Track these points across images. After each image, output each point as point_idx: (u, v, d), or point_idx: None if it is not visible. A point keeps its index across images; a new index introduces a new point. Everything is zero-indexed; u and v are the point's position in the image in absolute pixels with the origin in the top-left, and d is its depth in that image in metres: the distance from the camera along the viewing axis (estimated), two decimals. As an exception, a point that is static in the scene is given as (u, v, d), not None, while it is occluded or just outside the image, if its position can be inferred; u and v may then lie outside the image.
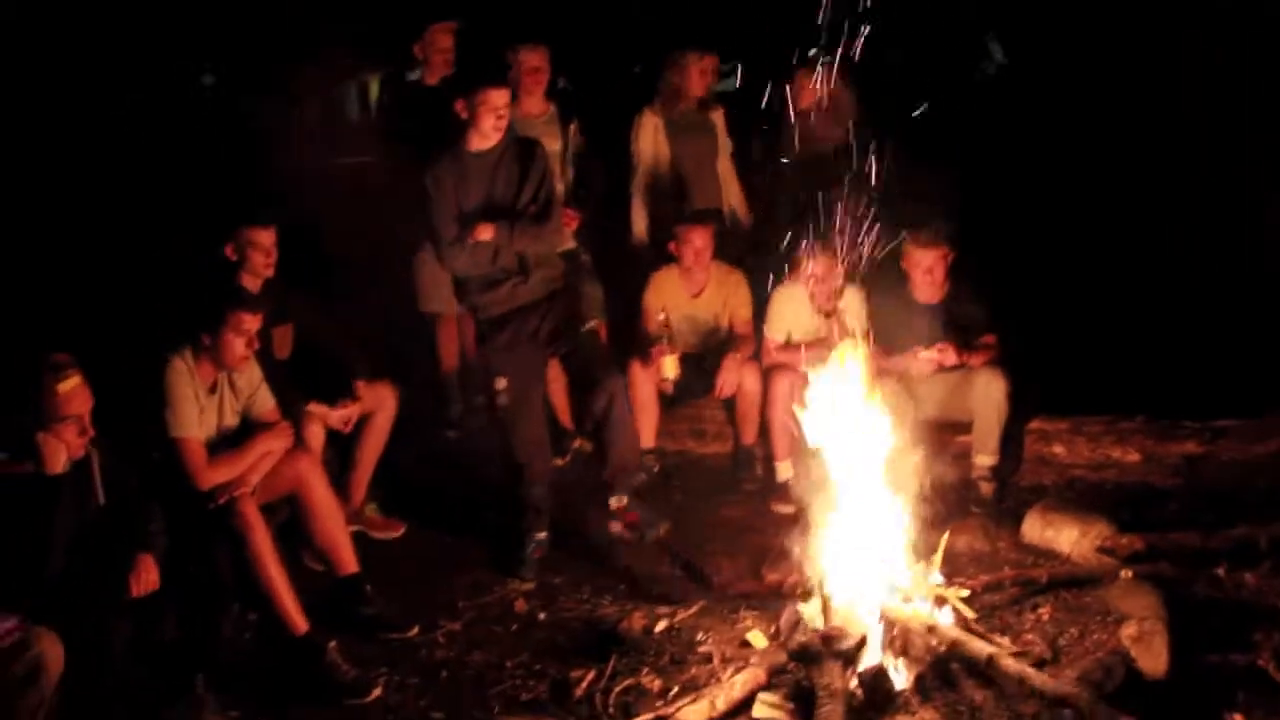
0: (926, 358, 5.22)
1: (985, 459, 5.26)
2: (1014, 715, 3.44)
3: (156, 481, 4.03)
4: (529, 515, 4.90)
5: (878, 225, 5.21)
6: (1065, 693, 3.36)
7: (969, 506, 5.20)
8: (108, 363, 3.91)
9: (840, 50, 4.84)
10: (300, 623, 4.05)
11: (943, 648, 3.69)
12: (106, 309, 5.61)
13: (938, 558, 4.18)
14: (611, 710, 3.69)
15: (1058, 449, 5.55)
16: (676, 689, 3.73)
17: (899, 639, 3.77)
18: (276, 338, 4.90)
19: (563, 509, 5.15)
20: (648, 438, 5.71)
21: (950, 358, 5.22)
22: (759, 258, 5.84)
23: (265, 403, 4.52)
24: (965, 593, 4.08)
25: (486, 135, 4.69)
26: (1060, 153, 7.40)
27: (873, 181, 4.84)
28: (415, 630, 4.36)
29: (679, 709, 3.51)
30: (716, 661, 3.88)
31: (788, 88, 5.92)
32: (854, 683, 3.58)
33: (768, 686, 3.65)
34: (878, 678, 3.58)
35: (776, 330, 5.64)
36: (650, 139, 6.10)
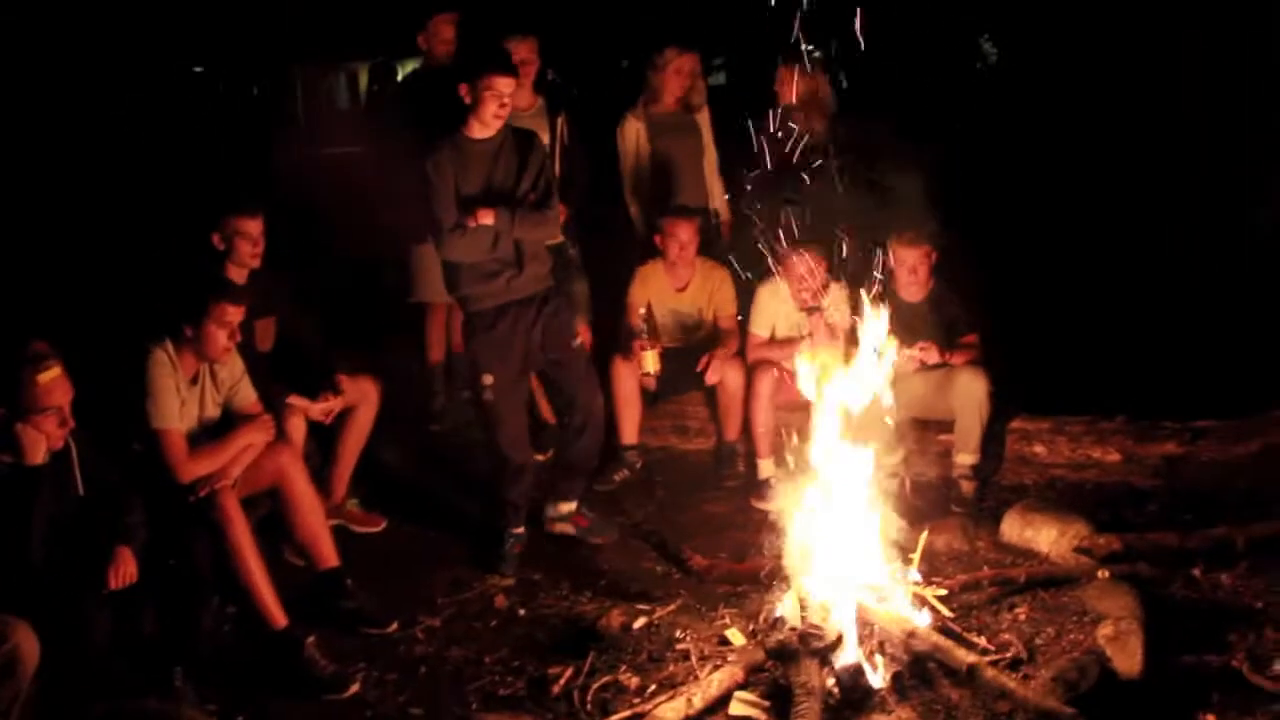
0: (908, 355, 5.22)
1: (966, 458, 5.28)
2: (990, 714, 3.47)
3: (136, 473, 4.02)
4: (508, 512, 4.91)
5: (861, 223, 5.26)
6: (1049, 707, 3.36)
7: (950, 505, 5.22)
8: (88, 353, 3.91)
9: (818, 45, 4.84)
10: (279, 617, 4.04)
11: (922, 648, 3.71)
12: (88, 299, 5.60)
13: (916, 556, 4.19)
14: (589, 707, 3.70)
15: (1039, 448, 5.57)
16: (654, 686, 3.74)
17: (876, 637, 3.79)
18: (259, 330, 4.88)
19: (542, 505, 5.14)
20: (631, 434, 5.73)
21: (932, 356, 5.24)
22: (741, 253, 5.85)
23: (247, 395, 4.50)
24: (942, 592, 4.10)
25: (487, 123, 4.66)
26: (1047, 153, 7.43)
27: (838, 181, 4.86)
28: (394, 626, 4.35)
29: (656, 706, 3.52)
30: (694, 659, 3.88)
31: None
32: (831, 681, 3.60)
33: (745, 684, 3.66)
34: (855, 676, 3.61)
35: (760, 326, 5.66)
36: (632, 140, 6.13)
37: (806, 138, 5.59)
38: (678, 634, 4.09)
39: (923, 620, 3.86)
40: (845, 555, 3.97)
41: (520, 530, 4.92)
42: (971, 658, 3.60)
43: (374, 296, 6.88)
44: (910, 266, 5.32)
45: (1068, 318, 6.52)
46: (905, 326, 5.25)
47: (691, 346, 5.79)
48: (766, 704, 3.57)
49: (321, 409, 4.86)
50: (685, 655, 3.93)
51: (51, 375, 3.54)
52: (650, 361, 5.43)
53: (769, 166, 5.69)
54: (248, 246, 4.78)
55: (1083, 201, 7.25)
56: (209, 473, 4.18)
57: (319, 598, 4.38)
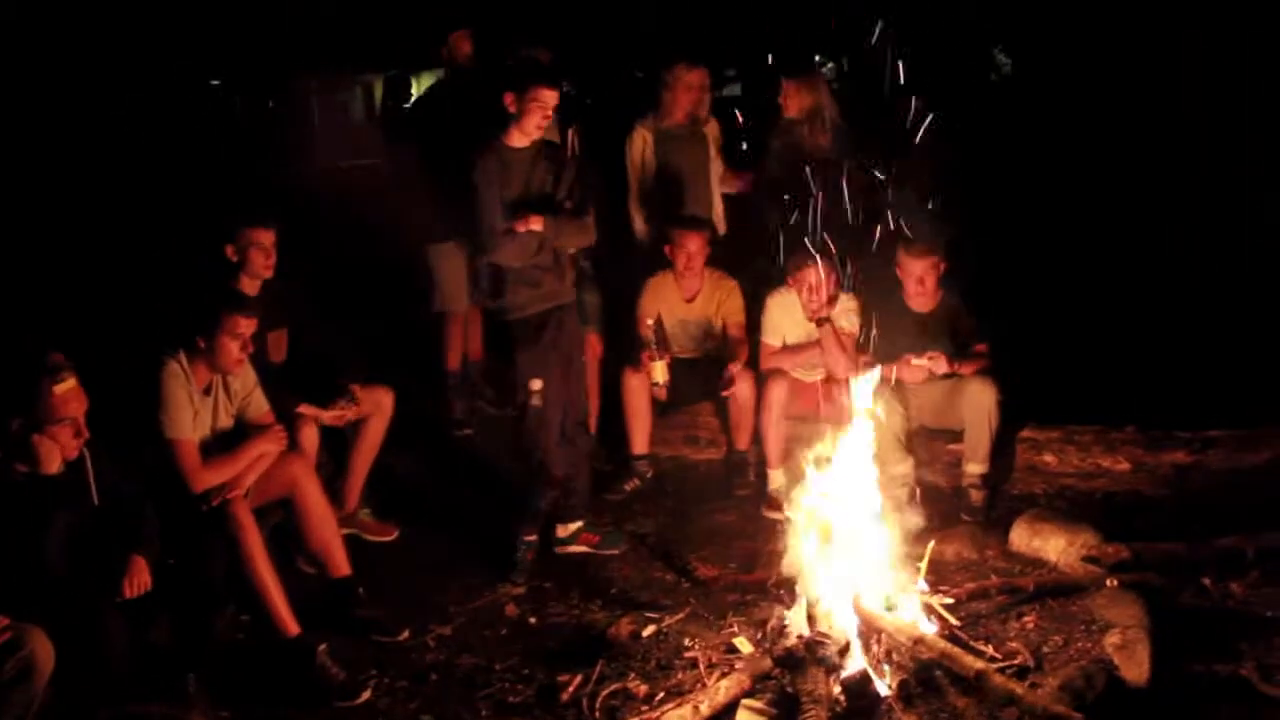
0: (918, 365, 5.24)
1: (976, 467, 5.28)
2: (996, 723, 3.48)
3: (150, 483, 4.05)
4: (528, 519, 4.92)
5: (870, 234, 5.27)
6: (1056, 714, 3.36)
7: (959, 514, 5.22)
8: (103, 364, 3.96)
9: (830, 57, 4.89)
10: (291, 625, 4.08)
11: (929, 656, 3.72)
12: (103, 310, 5.65)
13: (923, 565, 4.21)
14: (597, 714, 3.72)
15: (1049, 458, 5.57)
16: (662, 694, 3.76)
17: (883, 646, 3.80)
18: (272, 341, 4.93)
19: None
20: (641, 444, 5.76)
21: (941, 366, 5.24)
22: (751, 263, 5.89)
23: (260, 406, 4.54)
24: (950, 600, 4.10)
25: (528, 133, 4.73)
26: (1056, 164, 7.43)
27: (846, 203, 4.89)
28: (406, 634, 4.39)
29: (663, 714, 3.55)
30: (702, 667, 3.90)
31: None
32: (837, 689, 3.61)
33: (752, 692, 3.68)
34: (861, 684, 3.62)
35: (771, 335, 5.68)
36: (639, 151, 6.18)
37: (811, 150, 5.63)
38: (686, 642, 4.11)
39: (930, 628, 3.88)
40: (853, 564, 3.99)
41: (534, 538, 4.94)
42: (979, 665, 3.61)
43: (388, 306, 6.93)
44: (918, 277, 5.33)
45: (1077, 326, 6.52)
46: (914, 337, 5.29)
47: (701, 356, 5.82)
48: (773, 712, 3.58)
49: (332, 415, 4.90)
50: (693, 663, 3.95)
51: (67, 386, 3.58)
52: (659, 372, 5.46)
53: (777, 178, 5.73)
54: (261, 258, 4.83)
55: (1091, 210, 7.24)
56: (222, 482, 4.22)
57: (331, 606, 4.42)
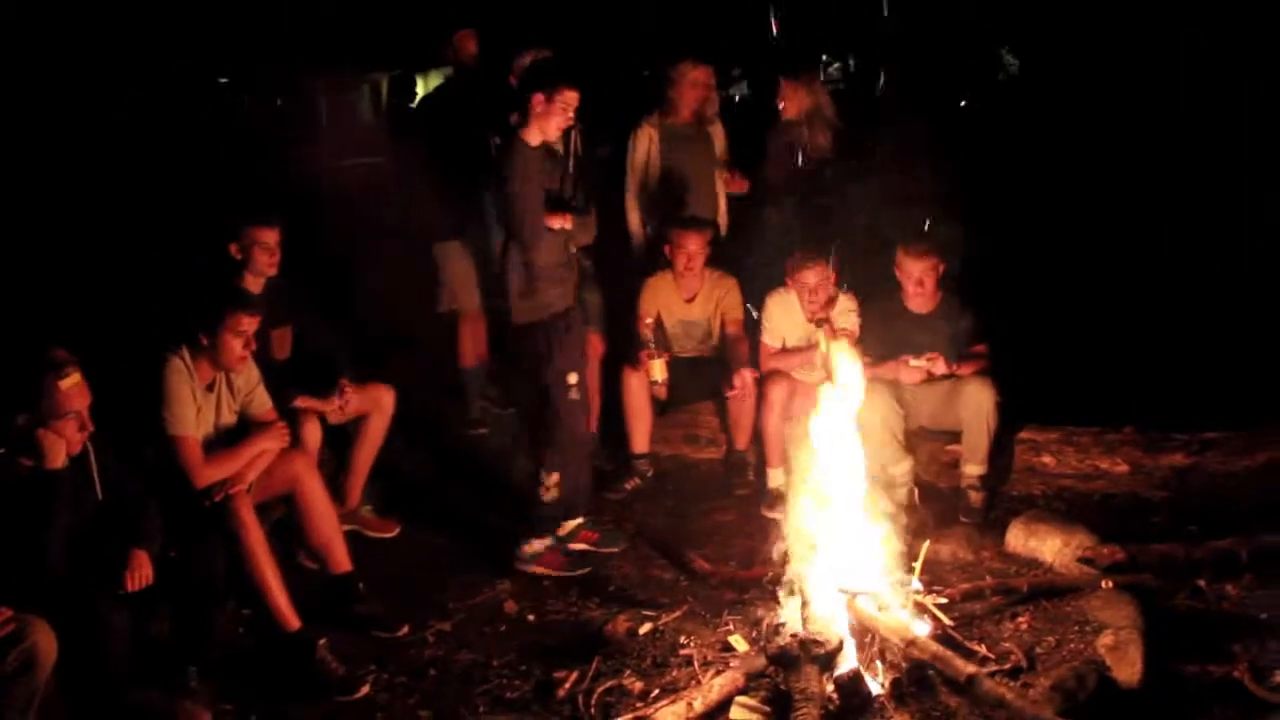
0: (916, 366, 5.26)
1: (974, 468, 5.29)
2: (988, 722, 3.50)
3: (153, 478, 4.10)
4: (544, 519, 4.95)
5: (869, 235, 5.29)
6: (1045, 717, 3.37)
7: (958, 515, 5.24)
8: (107, 360, 3.99)
9: (836, 57, 4.92)
10: (292, 620, 4.12)
11: (921, 656, 3.75)
12: (107, 307, 5.69)
13: (918, 565, 4.23)
14: (592, 710, 3.75)
15: (1047, 459, 5.59)
16: (657, 691, 3.79)
17: (876, 645, 3.83)
18: (275, 339, 4.97)
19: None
20: (641, 442, 5.79)
21: (940, 367, 5.26)
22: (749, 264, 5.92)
23: (263, 403, 4.57)
24: (943, 600, 4.13)
25: (547, 132, 4.77)
26: (1055, 164, 7.43)
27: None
28: (405, 629, 4.43)
29: (657, 710, 3.57)
30: (697, 664, 3.92)
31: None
32: (830, 687, 3.63)
33: (745, 689, 3.71)
34: (854, 682, 3.64)
35: (771, 336, 5.71)
36: (644, 149, 6.18)
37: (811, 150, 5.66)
38: (682, 640, 4.13)
39: (923, 629, 3.90)
40: (848, 563, 4.02)
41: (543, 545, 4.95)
42: (970, 667, 3.62)
43: (395, 304, 6.96)
44: (917, 278, 5.34)
45: (1076, 327, 6.53)
46: (913, 338, 5.31)
47: (701, 356, 5.85)
48: (767, 709, 3.61)
49: (327, 405, 4.93)
50: (689, 661, 3.97)
51: (72, 381, 3.62)
52: (658, 370, 5.50)
53: (779, 178, 5.76)
54: (265, 256, 4.87)
55: (1091, 210, 7.24)
56: (224, 478, 4.24)
57: (331, 601, 4.46)
